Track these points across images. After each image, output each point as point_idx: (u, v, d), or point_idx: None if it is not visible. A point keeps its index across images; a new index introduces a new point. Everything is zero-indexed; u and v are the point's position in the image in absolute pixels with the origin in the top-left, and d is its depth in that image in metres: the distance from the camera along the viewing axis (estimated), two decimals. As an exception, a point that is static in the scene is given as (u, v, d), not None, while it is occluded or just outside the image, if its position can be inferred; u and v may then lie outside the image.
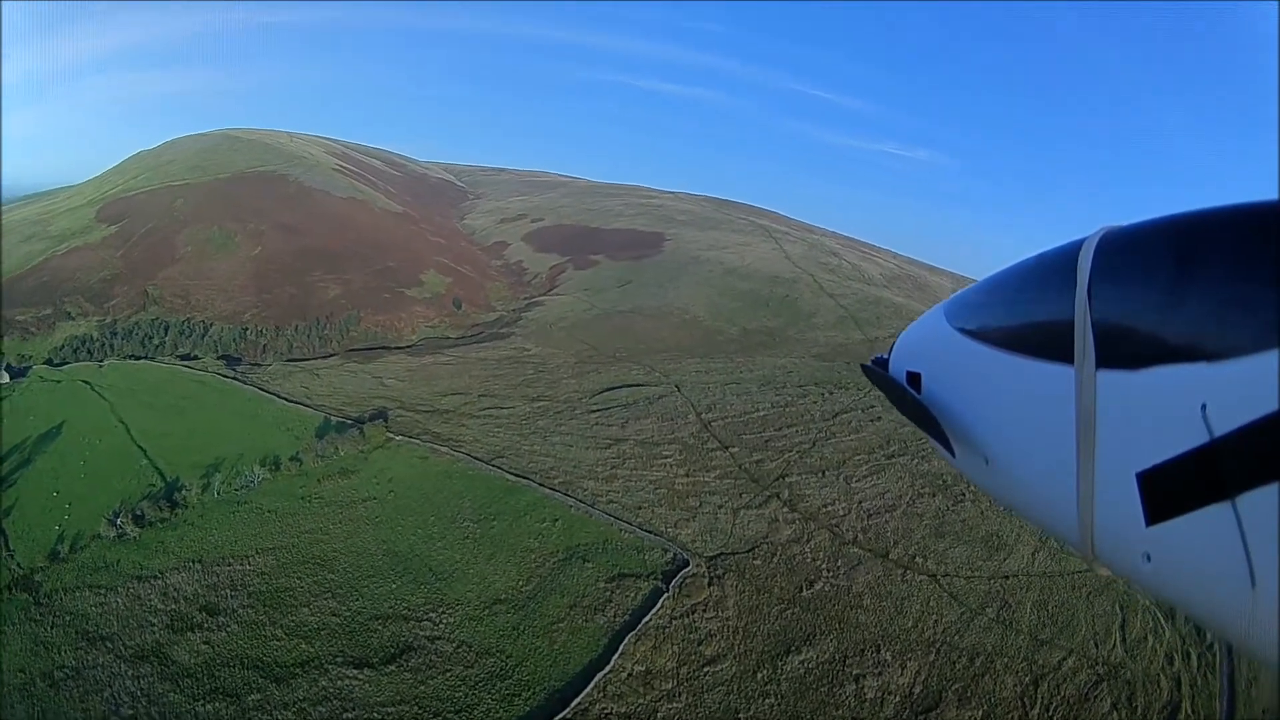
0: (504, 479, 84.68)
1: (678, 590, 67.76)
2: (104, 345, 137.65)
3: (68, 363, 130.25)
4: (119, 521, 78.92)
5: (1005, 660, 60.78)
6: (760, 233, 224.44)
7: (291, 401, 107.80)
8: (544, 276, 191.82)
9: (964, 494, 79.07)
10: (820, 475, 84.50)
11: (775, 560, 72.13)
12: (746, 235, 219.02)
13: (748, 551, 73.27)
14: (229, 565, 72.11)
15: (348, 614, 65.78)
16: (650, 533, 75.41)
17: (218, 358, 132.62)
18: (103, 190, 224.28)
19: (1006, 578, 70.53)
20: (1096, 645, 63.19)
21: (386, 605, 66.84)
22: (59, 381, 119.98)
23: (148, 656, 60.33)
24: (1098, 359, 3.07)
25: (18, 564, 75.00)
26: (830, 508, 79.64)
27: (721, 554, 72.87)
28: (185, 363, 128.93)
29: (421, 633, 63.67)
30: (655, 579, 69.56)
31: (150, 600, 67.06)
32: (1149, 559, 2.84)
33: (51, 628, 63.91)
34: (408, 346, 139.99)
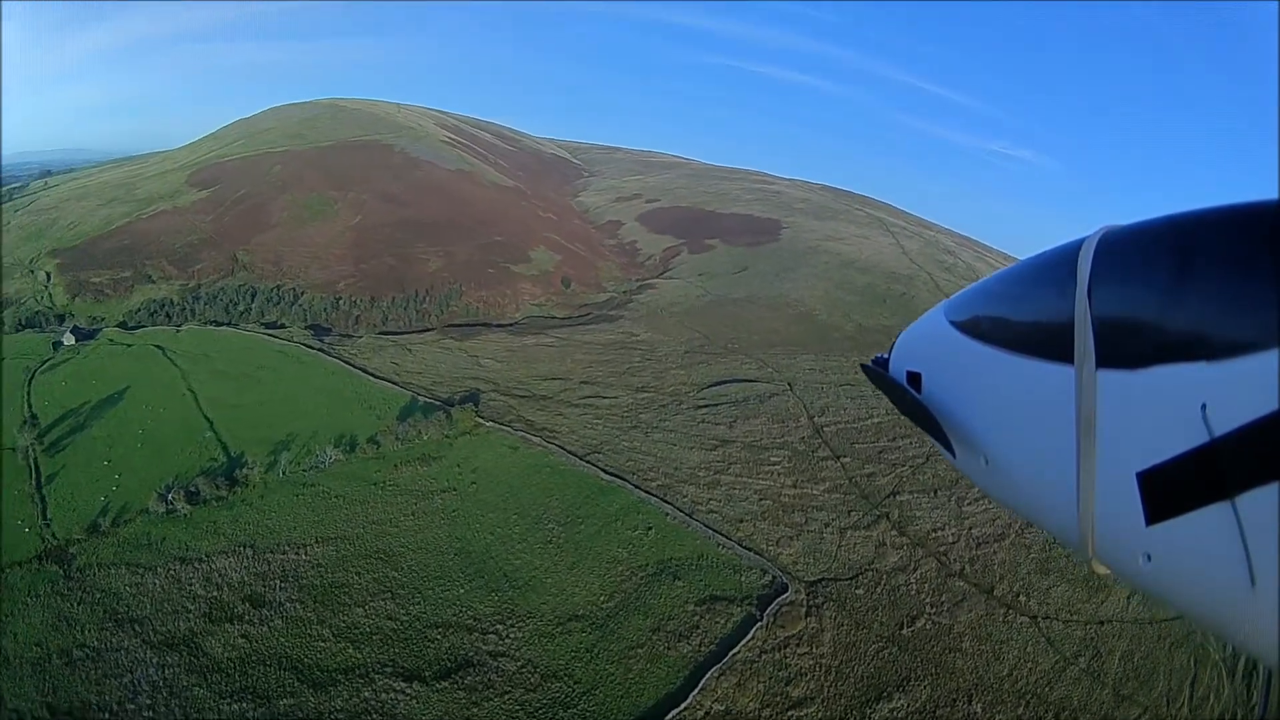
0: (597, 478, 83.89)
1: (772, 620, 66.47)
2: (185, 310, 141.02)
3: (143, 326, 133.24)
4: (170, 497, 77.05)
5: (1087, 718, 61.90)
6: (877, 225, 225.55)
7: (377, 378, 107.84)
8: (657, 258, 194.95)
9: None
10: (932, 495, 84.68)
11: (878, 590, 72.27)
12: (863, 227, 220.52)
13: (851, 579, 73.17)
14: (283, 553, 71.15)
15: (405, 618, 64.41)
16: (750, 550, 74.46)
17: (305, 327, 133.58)
18: (196, 156, 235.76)
19: (1102, 623, 71.46)
20: (1168, 703, 64.31)
21: (450, 612, 65.53)
22: (129, 345, 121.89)
23: (177, 645, 59.92)
24: (1098, 359, 3.24)
25: (52, 534, 73.55)
26: (940, 533, 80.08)
27: (823, 580, 72.49)
28: (270, 331, 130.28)
29: (484, 647, 62.23)
30: (749, 604, 68.04)
31: (191, 584, 66.69)
32: (1149, 559, 3.00)
33: (79, 604, 63.84)
34: (510, 325, 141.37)
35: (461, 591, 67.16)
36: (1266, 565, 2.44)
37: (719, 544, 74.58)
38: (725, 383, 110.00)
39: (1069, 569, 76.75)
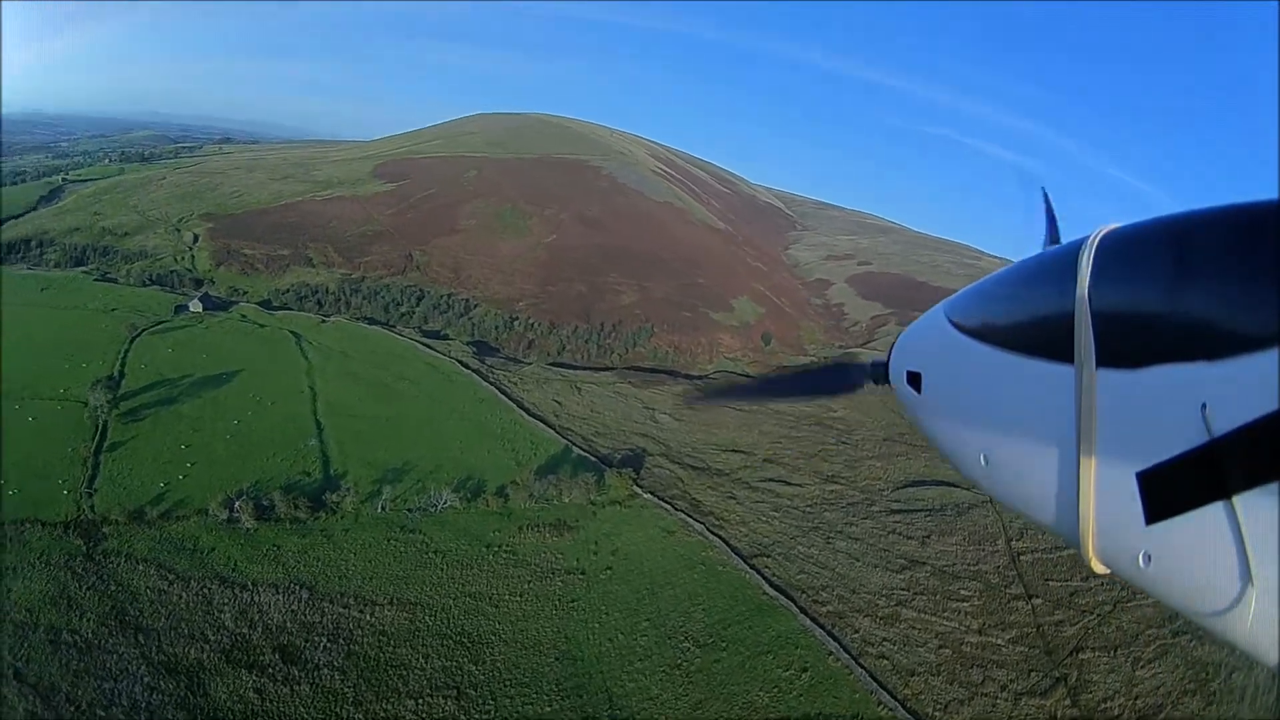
0: (759, 590, 79.38)
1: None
2: (339, 300, 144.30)
3: (287, 309, 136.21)
4: (237, 505, 75.33)
5: None
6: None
7: (532, 415, 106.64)
8: (864, 325, 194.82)
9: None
10: (1112, 653, 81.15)
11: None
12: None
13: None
14: (345, 606, 67.83)
15: (463, 729, 60.84)
16: (914, 715, 69.39)
17: (469, 342, 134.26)
18: (388, 148, 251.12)
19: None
20: None
21: (522, 734, 61.84)
22: (262, 326, 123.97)
23: (178, 673, 58.47)
24: (1098, 358, 3.51)
25: (91, 506, 72.79)
26: (1109, 703, 75.38)
27: (986, 768, 69.05)
28: (428, 339, 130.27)
29: (543, 800, 59.34)
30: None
31: (222, 611, 64.78)
32: (1149, 559, 3.26)
33: (88, 589, 63.65)
34: (699, 377, 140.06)
35: (547, 709, 62.53)
36: (1266, 565, 2.66)
37: (880, 702, 69.64)
38: (923, 484, 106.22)
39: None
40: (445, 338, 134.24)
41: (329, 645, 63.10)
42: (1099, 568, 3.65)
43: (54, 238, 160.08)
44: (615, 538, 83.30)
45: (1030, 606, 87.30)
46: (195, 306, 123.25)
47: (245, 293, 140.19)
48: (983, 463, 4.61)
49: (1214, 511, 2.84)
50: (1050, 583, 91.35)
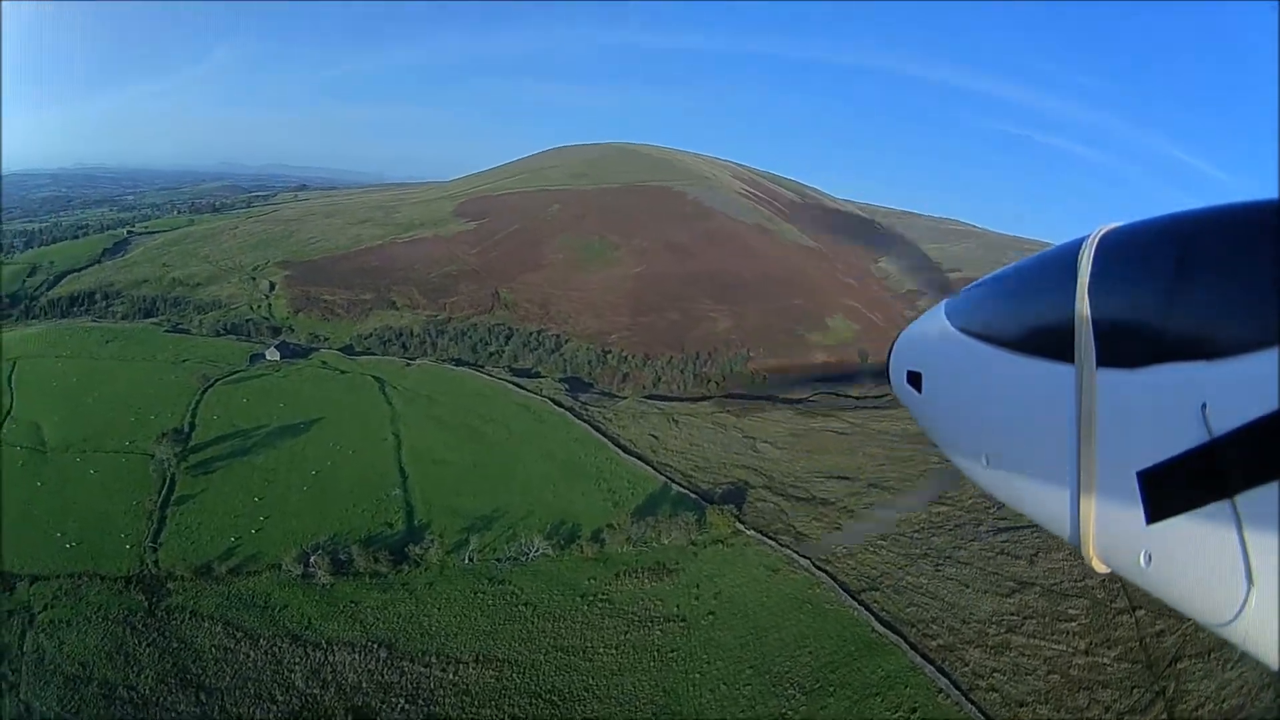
0: (868, 627, 77.81)
1: None
2: (424, 343, 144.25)
3: (372, 354, 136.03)
4: (312, 559, 74.07)
5: None
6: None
7: (628, 453, 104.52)
8: None
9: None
10: (1206, 658, 79.71)
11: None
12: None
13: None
14: (427, 665, 66.19)
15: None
16: None
17: (562, 379, 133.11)
18: (469, 187, 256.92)
19: None
20: None
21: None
22: (344, 372, 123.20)
23: None
24: (1098, 358, 3.58)
25: (155, 561, 72.73)
26: (1200, 710, 74.74)
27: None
28: (518, 379, 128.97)
29: None
30: None
31: (292, 672, 63.86)
32: (1149, 558, 3.32)
33: (148, 645, 63.40)
34: (799, 401, 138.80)
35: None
36: (1266, 565, 2.69)
37: (991, 739, 70.35)
38: None
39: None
40: (536, 375, 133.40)
41: (407, 706, 61.75)
42: (1099, 567, 3.69)
43: (120, 290, 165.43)
44: (718, 579, 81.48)
45: (1134, 619, 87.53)
46: (272, 355, 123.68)
47: (326, 339, 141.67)
48: (984, 463, 4.67)
49: (1214, 511, 2.87)
50: (1154, 596, 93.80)
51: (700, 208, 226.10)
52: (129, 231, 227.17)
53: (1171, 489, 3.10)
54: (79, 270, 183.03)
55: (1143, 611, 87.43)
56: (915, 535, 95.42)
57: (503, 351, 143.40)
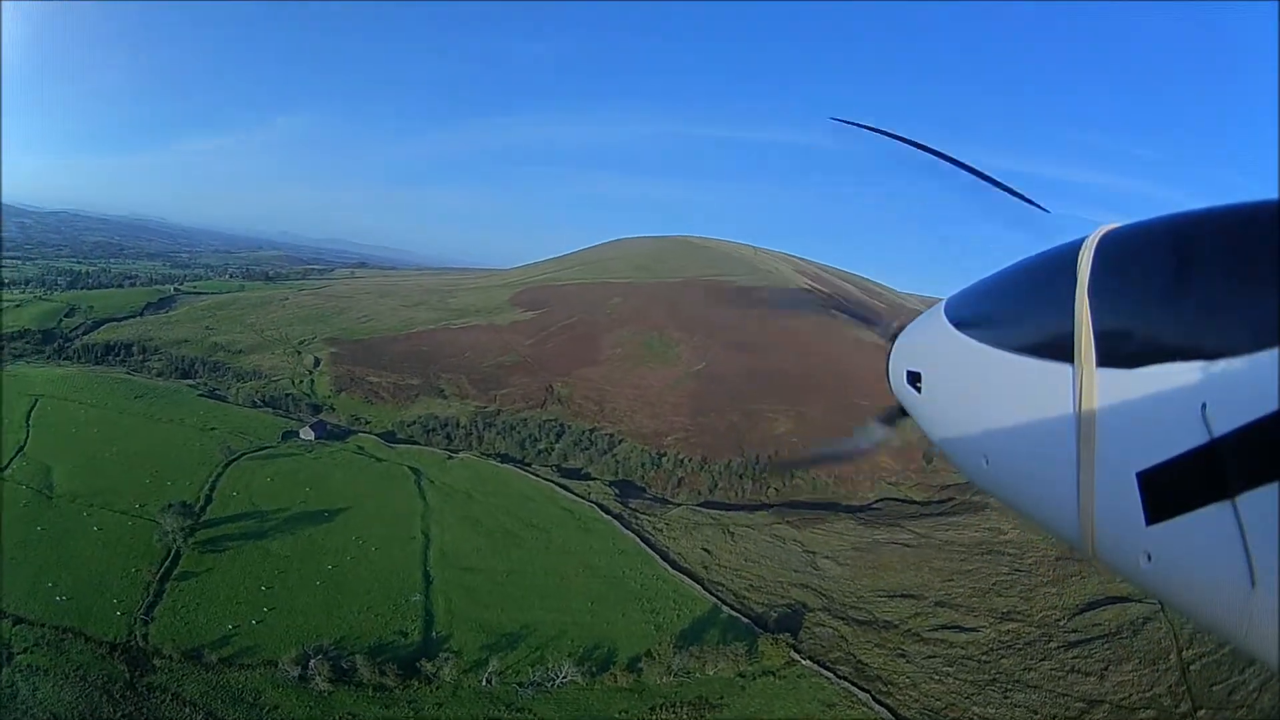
0: None
1: None
2: (469, 435, 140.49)
3: (414, 443, 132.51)
4: (313, 661, 70.14)
5: None
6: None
7: (677, 568, 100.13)
8: None
9: None
10: None
11: None
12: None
13: None
14: None
15: None
16: None
17: (612, 482, 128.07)
18: (527, 276, 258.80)
19: None
20: None
21: None
22: (380, 460, 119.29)
23: None
24: (1098, 358, 3.71)
25: (144, 634, 70.57)
26: None
27: None
28: (565, 480, 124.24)
29: None
30: None
31: None
32: (1149, 558, 3.40)
33: (121, 717, 61.74)
34: (861, 509, 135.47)
35: None
36: (1267, 565, 2.75)
37: None
38: (1100, 604, 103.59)
39: None
40: (587, 477, 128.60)
41: None
42: (1100, 567, 3.83)
43: (159, 346, 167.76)
44: (766, 716, 75.96)
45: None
46: (306, 434, 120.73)
47: (367, 422, 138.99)
48: (984, 463, 4.79)
49: (1214, 511, 2.91)
50: (1214, 687, 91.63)
51: (763, 303, 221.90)
52: (176, 289, 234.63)
53: (1172, 489, 3.14)
54: (119, 320, 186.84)
55: (1203, 711, 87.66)
56: (984, 659, 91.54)
57: (552, 449, 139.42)
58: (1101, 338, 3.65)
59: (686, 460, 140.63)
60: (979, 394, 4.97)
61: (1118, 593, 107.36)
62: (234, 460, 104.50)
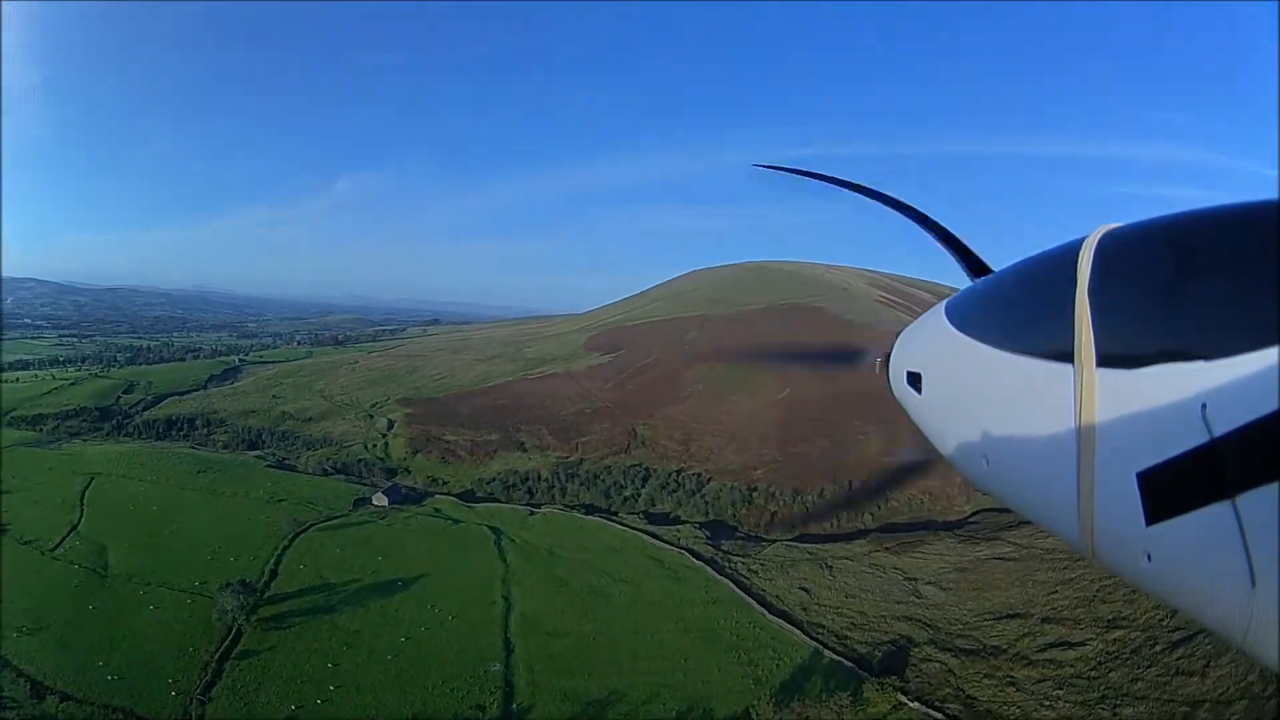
0: None
1: None
2: (552, 487, 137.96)
3: (495, 500, 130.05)
4: None
5: None
6: None
7: (774, 613, 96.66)
8: None
9: None
10: None
11: None
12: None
13: None
14: None
15: None
16: None
17: (703, 524, 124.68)
18: (602, 319, 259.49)
19: None
20: None
21: None
22: (458, 522, 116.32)
23: None
24: (1098, 358, 3.70)
25: (200, 714, 68.94)
26: None
27: None
28: (654, 526, 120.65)
29: None
30: None
31: None
32: (1149, 559, 3.40)
33: None
34: (958, 524, 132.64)
35: None
36: (1267, 566, 2.75)
37: None
38: None
39: None
40: (676, 521, 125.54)
41: None
42: (1100, 567, 3.84)
43: (225, 418, 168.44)
44: None
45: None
46: (379, 500, 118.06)
47: (445, 483, 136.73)
48: (984, 464, 4.78)
49: (1214, 512, 2.90)
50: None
51: (841, 321, 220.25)
52: (241, 359, 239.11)
53: (1172, 490, 3.12)
54: (181, 394, 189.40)
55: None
56: (1093, 675, 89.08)
57: (639, 495, 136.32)
58: (1101, 338, 3.61)
59: (778, 493, 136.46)
60: (979, 395, 4.92)
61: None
62: (302, 532, 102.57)
